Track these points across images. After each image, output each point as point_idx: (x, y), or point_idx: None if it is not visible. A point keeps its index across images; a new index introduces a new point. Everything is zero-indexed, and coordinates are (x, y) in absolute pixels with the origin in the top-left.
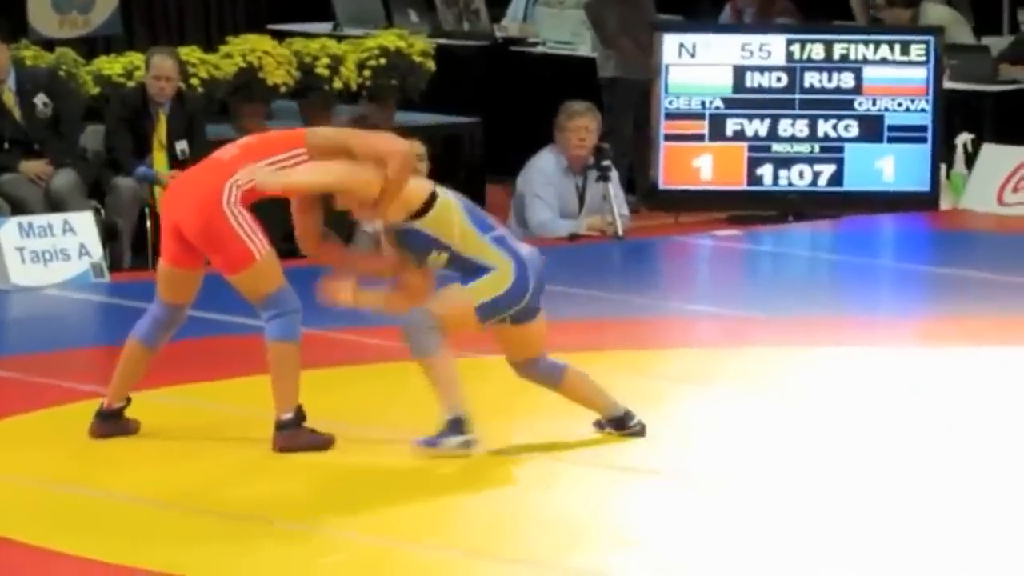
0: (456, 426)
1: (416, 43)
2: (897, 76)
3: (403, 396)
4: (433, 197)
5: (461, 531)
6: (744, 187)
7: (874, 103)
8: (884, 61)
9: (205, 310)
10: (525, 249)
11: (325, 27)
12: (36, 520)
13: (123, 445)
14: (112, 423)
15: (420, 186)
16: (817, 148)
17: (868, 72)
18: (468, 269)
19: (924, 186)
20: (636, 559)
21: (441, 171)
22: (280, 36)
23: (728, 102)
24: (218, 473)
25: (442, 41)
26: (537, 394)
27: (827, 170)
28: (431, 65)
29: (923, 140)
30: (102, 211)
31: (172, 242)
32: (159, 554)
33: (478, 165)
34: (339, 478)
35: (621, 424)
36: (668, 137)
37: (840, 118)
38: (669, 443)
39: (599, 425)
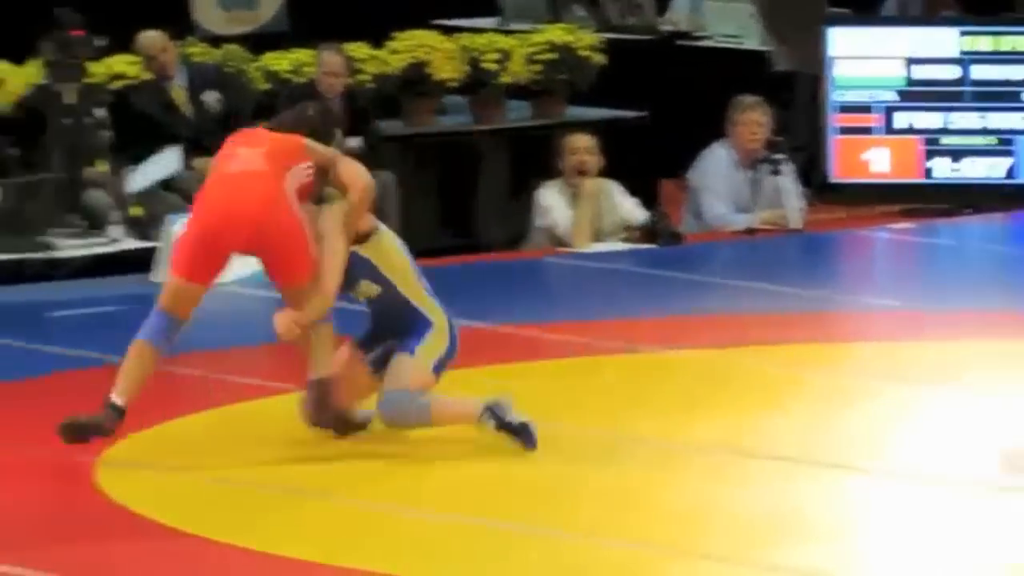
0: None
1: (584, 37)
2: None
3: (586, 391)
4: (376, 228)
5: (652, 527)
6: (916, 180)
7: None
8: None
9: None
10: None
11: (490, 22)
12: (226, 519)
13: (313, 442)
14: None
15: (366, 217)
16: (990, 141)
17: None
18: (399, 313)
19: None
20: (826, 554)
21: (610, 165)
22: (447, 31)
23: (899, 95)
24: (409, 472)
25: (610, 35)
26: (725, 388)
27: (1002, 163)
28: (600, 59)
29: None
30: None
31: (201, 254)
32: (364, 552)
33: (647, 159)
34: (527, 476)
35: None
36: (838, 131)
37: (1011, 110)
38: (857, 437)
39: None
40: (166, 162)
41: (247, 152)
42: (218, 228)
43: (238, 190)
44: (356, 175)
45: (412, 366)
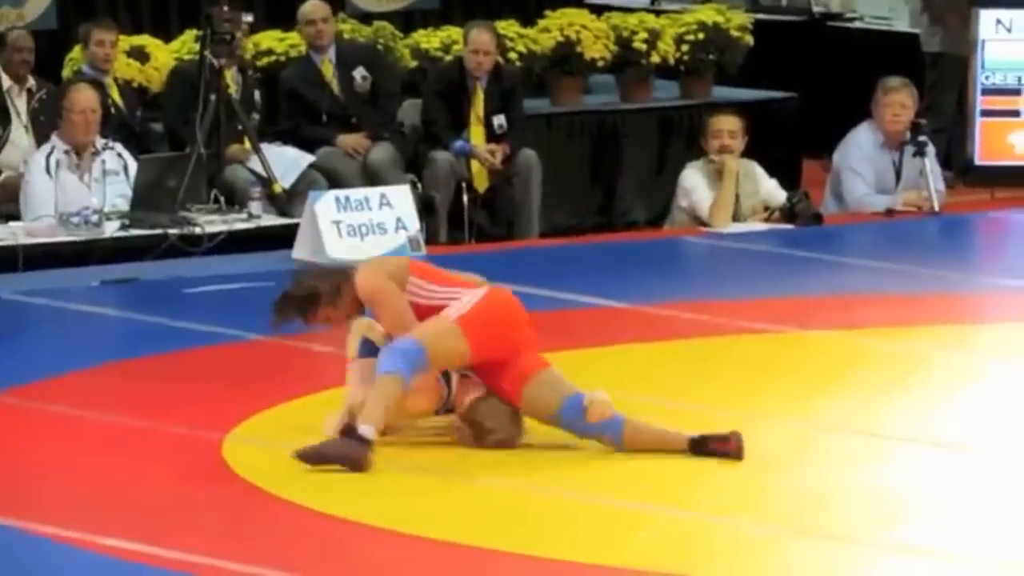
0: None
1: (734, 17)
2: None
3: (720, 371)
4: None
5: (775, 507)
6: None
7: None
8: None
9: None
10: None
11: (643, 1)
12: (354, 496)
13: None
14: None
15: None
16: None
17: None
18: None
19: None
20: (950, 534)
21: (757, 146)
22: (597, 10)
23: None
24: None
25: (760, 16)
26: (851, 369)
27: None
28: (749, 40)
29: None
30: (419, 185)
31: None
32: (491, 531)
33: (794, 140)
34: (655, 454)
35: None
36: (984, 113)
37: None
38: (985, 418)
39: None
40: (297, 159)
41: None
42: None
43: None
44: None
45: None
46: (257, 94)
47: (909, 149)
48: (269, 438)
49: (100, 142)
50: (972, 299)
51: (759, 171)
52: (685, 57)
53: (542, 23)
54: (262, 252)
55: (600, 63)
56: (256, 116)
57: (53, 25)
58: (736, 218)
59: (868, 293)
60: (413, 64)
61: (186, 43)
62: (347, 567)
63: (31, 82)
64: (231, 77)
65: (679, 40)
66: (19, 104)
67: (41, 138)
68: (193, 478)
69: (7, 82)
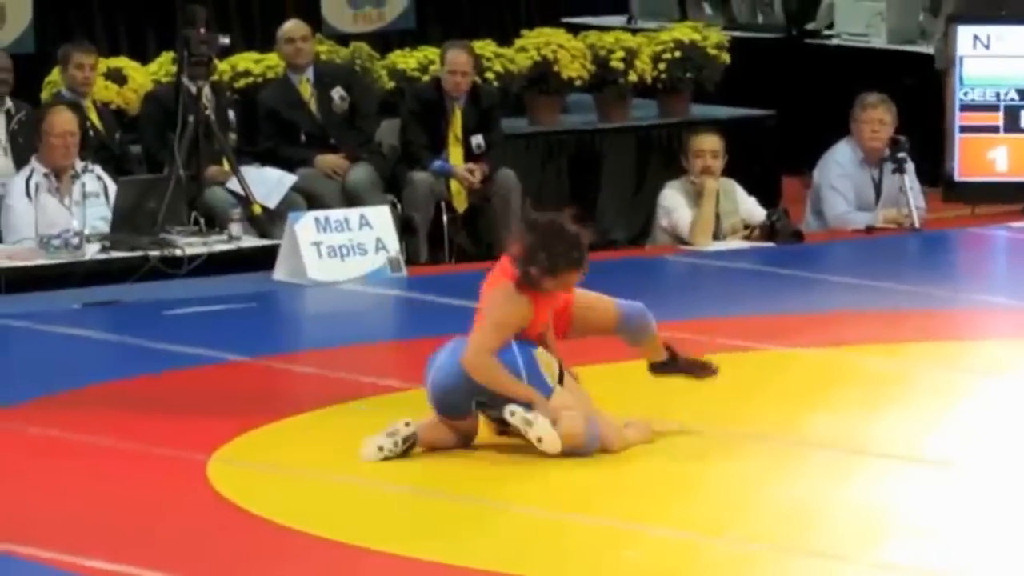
0: None
1: (711, 35)
2: None
3: (702, 388)
4: None
5: (762, 524)
6: None
7: None
8: None
9: None
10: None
11: (619, 20)
12: (339, 517)
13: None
14: None
15: None
16: None
17: None
18: None
19: None
20: (936, 552)
21: (736, 164)
22: (574, 29)
23: (1019, 94)
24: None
25: (736, 33)
26: (834, 387)
27: None
28: (726, 58)
29: None
30: (399, 205)
31: None
32: (462, 546)
33: (773, 158)
34: (642, 473)
35: None
36: (963, 129)
37: None
38: (968, 435)
39: None
40: (280, 179)
41: None
42: None
43: None
44: None
45: None
46: (232, 114)
47: (888, 166)
48: (254, 459)
49: (79, 165)
50: (955, 316)
51: (739, 189)
52: (663, 76)
53: (519, 43)
54: (243, 273)
55: (577, 82)
56: (233, 136)
57: (31, 48)
58: (716, 236)
59: (850, 310)
60: (390, 85)
61: (163, 65)
62: None
63: (9, 104)
64: (205, 97)
65: (656, 59)
66: None
67: (20, 161)
68: (178, 500)
69: None
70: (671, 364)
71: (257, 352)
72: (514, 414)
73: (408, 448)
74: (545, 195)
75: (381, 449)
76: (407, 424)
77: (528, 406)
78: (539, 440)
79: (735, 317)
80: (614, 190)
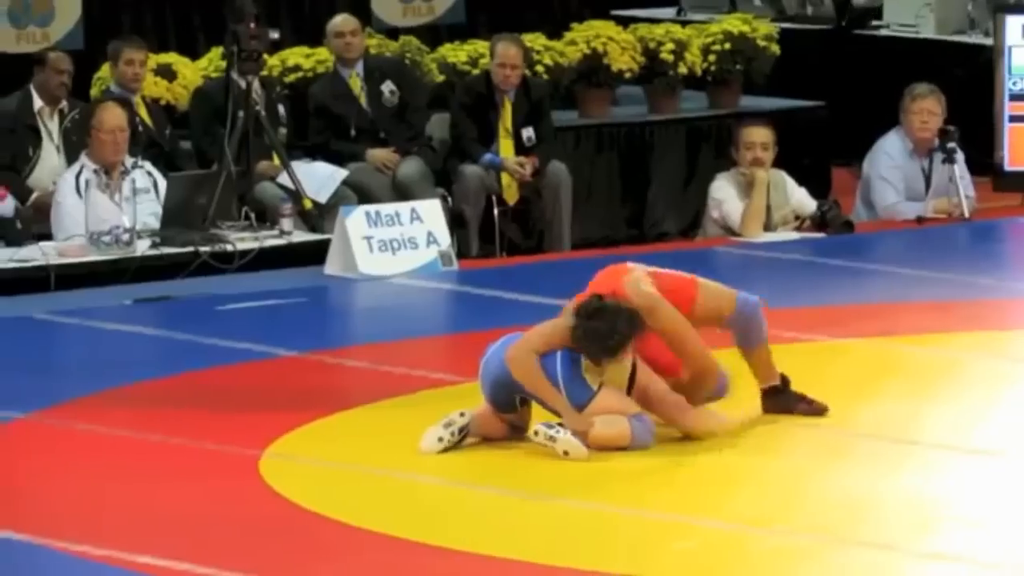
0: None
1: (760, 27)
2: None
3: (752, 380)
4: None
5: (812, 516)
6: None
7: None
8: None
9: None
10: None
11: (669, 12)
12: (393, 512)
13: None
14: None
15: None
16: None
17: None
18: None
19: None
20: (986, 542)
21: (786, 155)
22: (623, 22)
23: None
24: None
25: (785, 25)
26: (884, 377)
27: None
28: (775, 49)
29: None
30: (449, 199)
31: None
32: (519, 543)
33: (823, 149)
34: (695, 466)
35: None
36: (1013, 118)
37: None
38: (1019, 424)
39: None
40: (331, 174)
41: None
42: None
43: None
44: None
45: None
46: (282, 108)
47: (938, 156)
48: (306, 454)
49: (129, 161)
50: (1005, 305)
51: (789, 181)
52: (712, 67)
53: (568, 35)
54: (294, 268)
55: (627, 75)
56: (283, 131)
57: (80, 45)
58: (767, 228)
59: (901, 301)
60: (440, 78)
61: (213, 60)
62: None
63: (63, 103)
64: (255, 92)
65: (706, 50)
66: (51, 125)
67: (72, 158)
68: (231, 495)
69: (38, 103)
70: (782, 395)
71: (308, 347)
72: (537, 434)
73: (462, 438)
74: (596, 188)
75: (441, 440)
76: (462, 414)
77: (550, 425)
78: (565, 453)
79: (786, 308)
80: (664, 182)
